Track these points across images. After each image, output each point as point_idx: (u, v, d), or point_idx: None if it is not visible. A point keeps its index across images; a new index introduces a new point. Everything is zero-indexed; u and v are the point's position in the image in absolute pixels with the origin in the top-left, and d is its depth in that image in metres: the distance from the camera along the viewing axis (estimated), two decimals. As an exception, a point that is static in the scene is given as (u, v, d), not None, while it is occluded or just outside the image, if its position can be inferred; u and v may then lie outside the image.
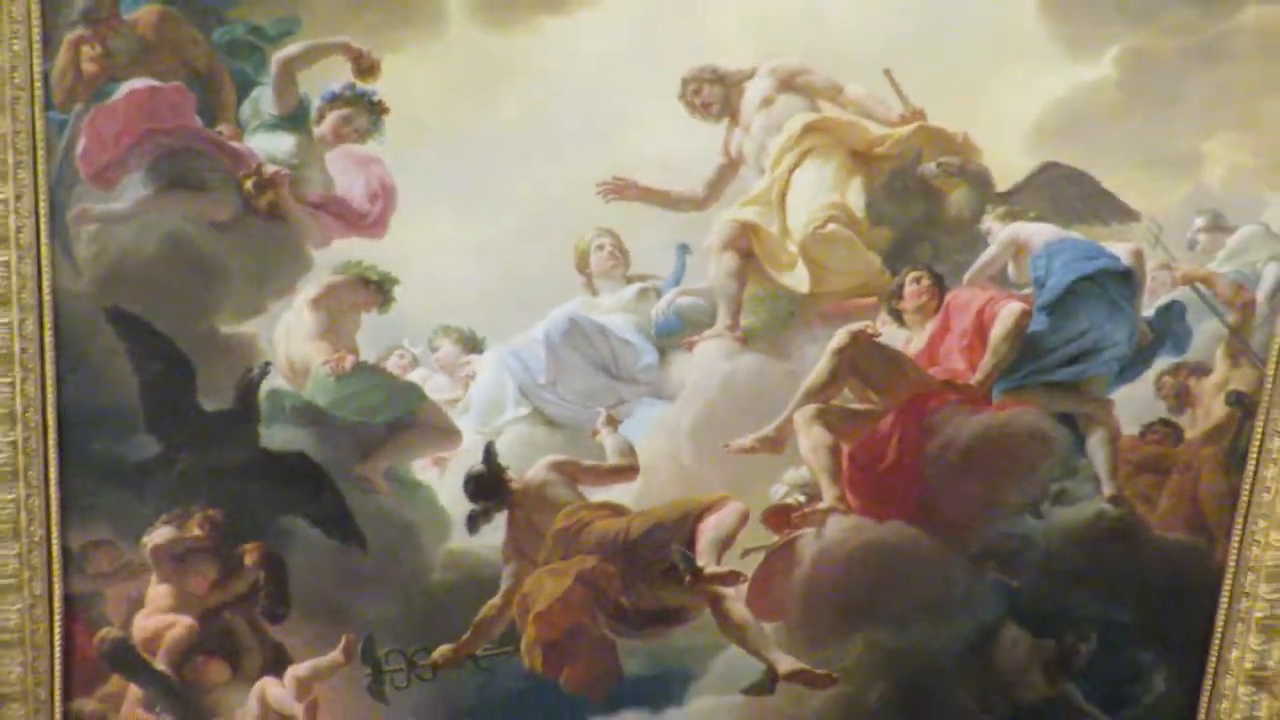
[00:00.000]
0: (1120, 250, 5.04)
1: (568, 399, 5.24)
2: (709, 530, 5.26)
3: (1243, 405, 5.15)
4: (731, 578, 5.28)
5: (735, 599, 5.34)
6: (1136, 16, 4.76)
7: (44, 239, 4.83)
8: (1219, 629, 5.47)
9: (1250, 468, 5.29)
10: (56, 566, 5.23)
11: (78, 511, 5.18)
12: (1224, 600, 5.44)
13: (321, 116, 4.88)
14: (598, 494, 5.32)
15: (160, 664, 5.35)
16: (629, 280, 5.15)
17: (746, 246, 5.04)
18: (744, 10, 4.75)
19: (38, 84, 4.67)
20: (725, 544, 5.25)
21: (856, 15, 4.76)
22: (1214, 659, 5.54)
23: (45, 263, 4.87)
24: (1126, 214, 4.96)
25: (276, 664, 5.40)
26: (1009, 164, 4.97)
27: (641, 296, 5.15)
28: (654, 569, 5.32)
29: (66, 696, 5.41)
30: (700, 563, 5.24)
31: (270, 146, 4.89)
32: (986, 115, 4.93)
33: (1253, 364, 5.10)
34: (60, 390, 5.04)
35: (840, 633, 5.47)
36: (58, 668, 5.35)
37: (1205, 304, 5.11)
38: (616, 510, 5.31)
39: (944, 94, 4.90)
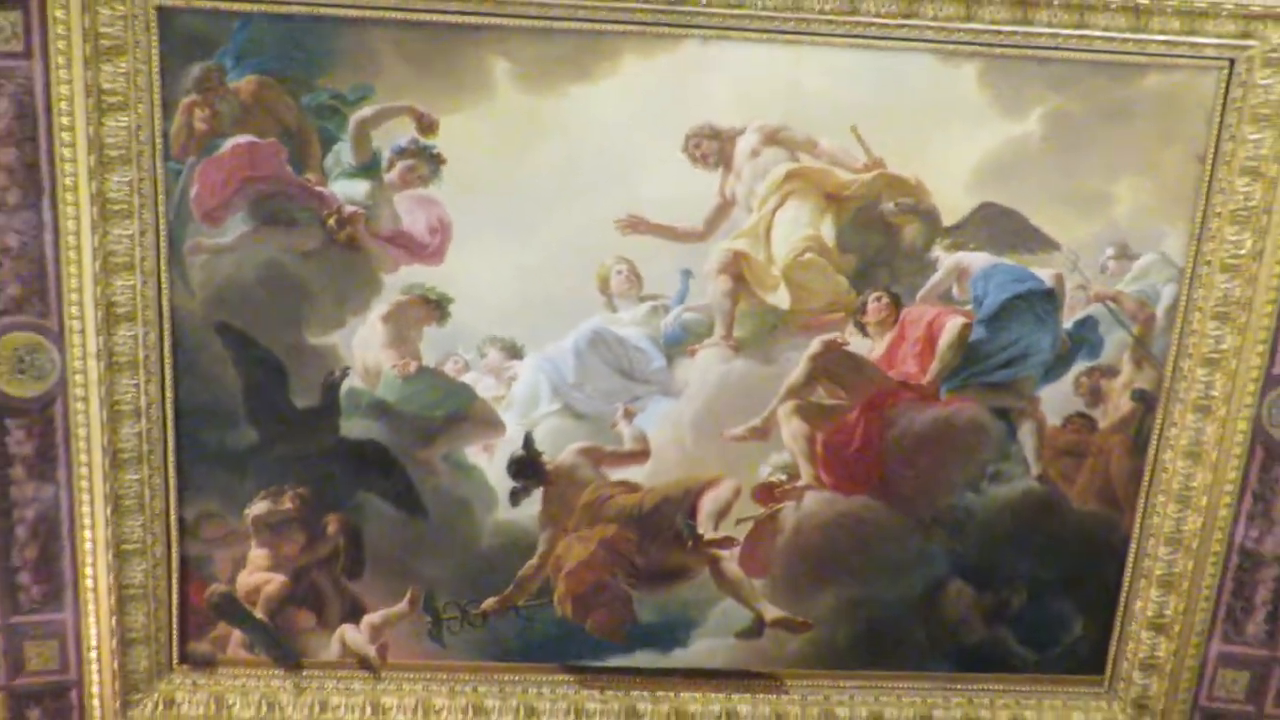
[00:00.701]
0: (1044, 274, 5.19)
1: (592, 396, 5.30)
2: (708, 503, 5.44)
3: (1145, 401, 5.35)
4: (726, 542, 5.49)
5: (729, 560, 5.53)
6: (1057, 83, 4.90)
7: (163, 267, 4.98)
8: (1126, 583, 5.64)
9: (1151, 452, 5.44)
10: (174, 534, 5.36)
11: (191, 489, 5.32)
12: (1130, 560, 5.61)
13: (391, 166, 4.94)
14: (617, 474, 5.42)
15: (259, 613, 5.50)
16: (642, 299, 5.17)
17: (738, 271, 5.13)
18: (737, 79, 4.86)
19: (159, 140, 4.81)
20: (721, 514, 5.45)
21: (828, 83, 4.88)
22: (1121, 608, 5.68)
23: (164, 286, 5.00)
24: (1049, 244, 5.12)
25: (354, 613, 5.55)
26: (953, 203, 5.08)
27: (652, 313, 5.18)
28: (663, 535, 5.48)
29: (183, 640, 5.53)
30: (701, 530, 5.44)
31: (349, 191, 4.96)
32: (935, 163, 5.03)
33: (1153, 367, 5.30)
34: (177, 390, 5.16)
35: (815, 586, 5.61)
36: (175, 617, 5.49)
37: (1114, 318, 5.26)
38: (632, 487, 5.43)
39: (899, 146, 5.00)
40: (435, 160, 4.96)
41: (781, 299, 5.21)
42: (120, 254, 4.91)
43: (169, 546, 5.40)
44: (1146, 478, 5.48)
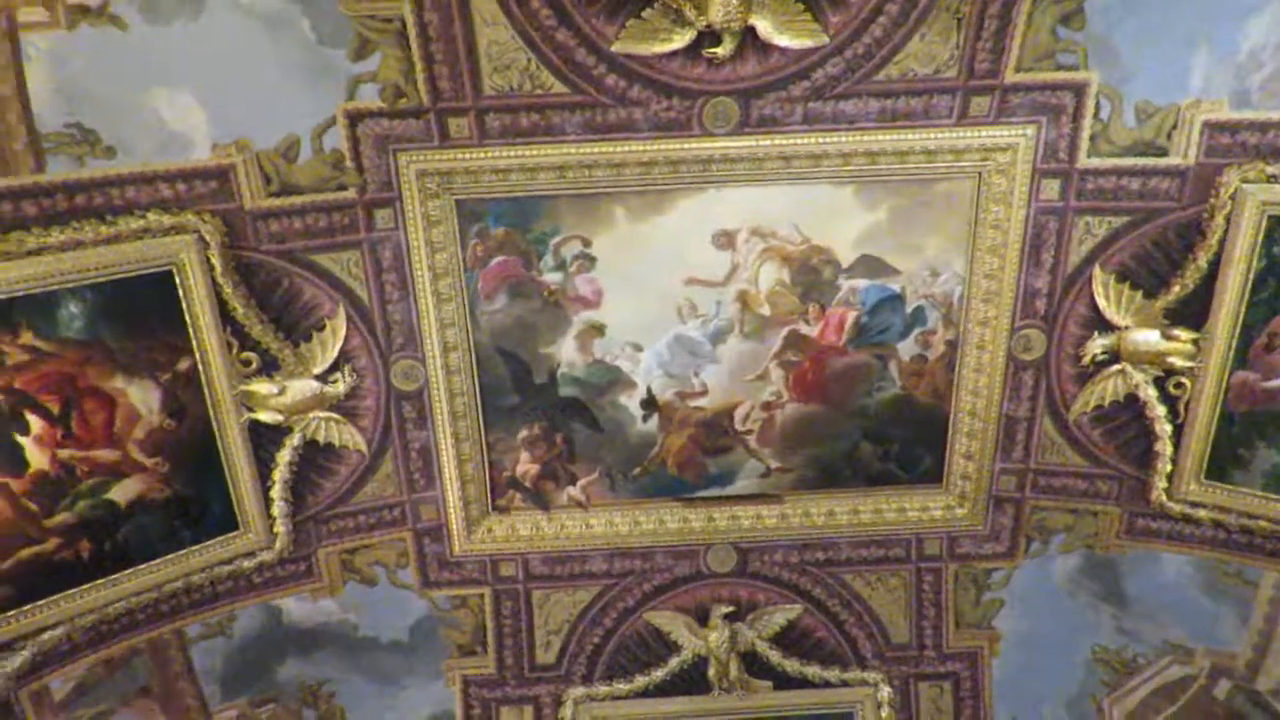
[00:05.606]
0: (894, 285, 5.23)
1: (677, 366, 5.41)
2: (739, 413, 5.54)
3: (951, 345, 5.37)
4: (748, 433, 5.61)
5: (751, 440, 5.62)
6: (894, 192, 4.96)
7: (469, 322, 5.20)
8: (949, 436, 5.59)
9: (957, 370, 5.42)
10: (484, 449, 5.49)
11: (490, 426, 5.48)
12: (950, 424, 5.57)
13: (571, 263, 5.10)
14: (693, 403, 5.50)
15: (526, 484, 5.67)
16: (698, 317, 5.27)
17: (744, 300, 5.24)
18: (734, 204, 4.99)
19: (461, 262, 5.05)
20: (745, 418, 5.55)
21: (779, 201, 5.00)
22: (949, 449, 5.62)
23: (469, 331, 5.21)
24: (896, 272, 5.19)
25: (572, 480, 5.67)
26: (846, 255, 5.15)
27: (704, 323, 5.29)
28: (718, 430, 5.58)
29: (492, 499, 5.67)
30: (737, 426, 5.57)
31: (552, 277, 5.13)
32: (835, 237, 5.10)
33: (954, 328, 5.33)
34: (480, 380, 5.34)
35: (794, 450, 5.68)
36: (488, 489, 5.62)
37: (932, 305, 5.29)
38: (700, 409, 5.51)
39: (818, 230, 5.08)
40: (592, 259, 5.13)
41: (765, 310, 5.30)
42: (448, 319, 5.17)
43: (482, 455, 5.55)
44: (955, 383, 5.47)
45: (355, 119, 4.62)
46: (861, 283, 5.27)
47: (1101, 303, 5.08)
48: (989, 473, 5.65)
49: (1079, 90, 4.64)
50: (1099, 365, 5.23)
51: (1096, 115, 4.69)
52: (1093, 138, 4.73)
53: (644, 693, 5.97)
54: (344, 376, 5.14)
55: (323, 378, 5.10)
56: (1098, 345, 5.15)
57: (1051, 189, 4.90)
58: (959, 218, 5.09)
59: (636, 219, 5.06)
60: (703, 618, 5.93)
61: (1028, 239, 5.03)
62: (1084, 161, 4.80)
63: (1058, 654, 6.01)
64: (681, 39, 4.45)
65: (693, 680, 5.98)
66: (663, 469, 5.69)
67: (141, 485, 4.89)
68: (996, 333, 5.30)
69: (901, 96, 4.69)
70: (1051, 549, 5.82)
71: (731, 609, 5.90)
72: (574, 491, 5.72)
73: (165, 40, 4.27)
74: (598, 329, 5.33)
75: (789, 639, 5.99)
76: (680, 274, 5.20)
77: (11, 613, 4.67)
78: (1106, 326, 5.15)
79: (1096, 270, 5.05)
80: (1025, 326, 5.28)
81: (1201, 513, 5.33)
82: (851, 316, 5.35)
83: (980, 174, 4.94)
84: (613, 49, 4.50)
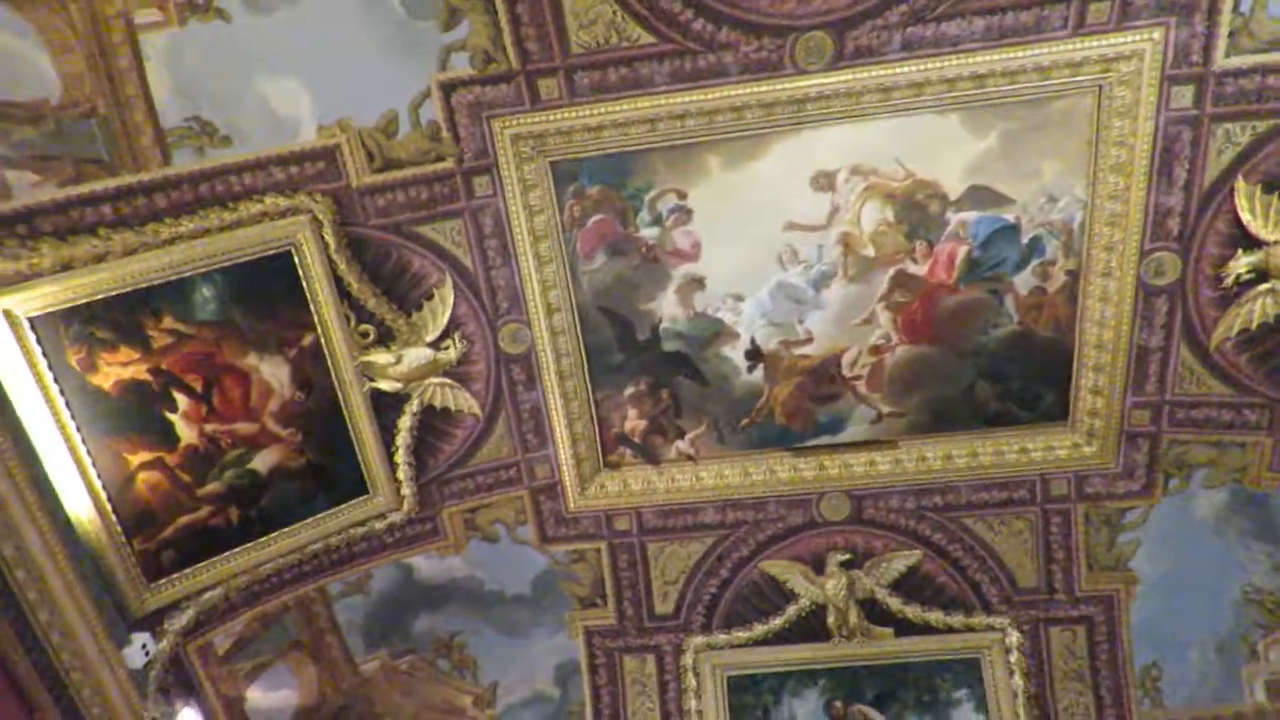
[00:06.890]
0: (1008, 215, 4.98)
1: (781, 314, 5.31)
2: (845, 359, 5.42)
3: (1073, 275, 5.10)
4: (856, 379, 5.48)
5: (860, 386, 5.49)
6: (1004, 115, 4.71)
7: (570, 282, 5.23)
8: (1074, 370, 5.32)
9: (1080, 300, 5.13)
10: (592, 407, 5.55)
11: (596, 385, 5.52)
12: (1075, 357, 5.30)
13: (668, 217, 5.05)
14: (798, 351, 5.39)
15: (635, 439, 5.69)
16: (799, 263, 5.14)
17: (846, 242, 5.09)
18: (832, 144, 4.83)
19: (559, 224, 5.08)
20: (853, 364, 5.43)
21: (878, 137, 4.80)
22: (1074, 383, 5.36)
23: (571, 291, 5.26)
24: (1009, 201, 4.94)
25: (680, 434, 5.66)
26: (954, 187, 4.93)
27: (805, 269, 5.16)
28: (826, 377, 5.47)
29: (604, 455, 5.72)
30: (845, 372, 5.46)
31: (650, 233, 5.11)
32: (941, 168, 4.88)
33: (1075, 256, 5.05)
34: (584, 339, 5.39)
35: (906, 393, 5.52)
36: (599, 445, 5.68)
37: (1050, 233, 5.02)
38: (806, 356, 5.41)
39: (922, 162, 4.87)
40: (689, 212, 5.06)
41: (870, 251, 5.13)
42: (550, 280, 5.22)
43: (591, 413, 5.60)
44: (1079, 314, 5.19)
45: (449, 89, 4.68)
46: (971, 215, 5.02)
47: (1245, 217, 4.69)
48: (1119, 407, 5.35)
49: (1214, -18, 4.24)
50: (1244, 286, 4.87)
51: (1236, 9, 4.30)
52: (1231, 34, 4.35)
53: (764, 640, 5.98)
54: (454, 343, 5.27)
55: (435, 345, 5.25)
56: (1243, 264, 4.78)
57: (1184, 96, 4.53)
58: (1078, 137, 4.79)
59: (731, 167, 4.96)
60: (819, 566, 5.87)
61: (1157, 154, 4.70)
62: (1222, 62, 4.41)
63: (1204, 595, 5.66)
64: (769, -27, 4.32)
65: (812, 628, 5.94)
66: (770, 419, 5.63)
67: (279, 455, 5.18)
68: (1124, 258, 4.97)
69: (1009, 11, 4.42)
70: (1193, 485, 5.49)
71: (848, 556, 5.82)
72: (683, 445, 5.72)
73: (267, 28, 4.41)
74: (698, 281, 5.26)
75: (909, 585, 5.86)
76: (779, 220, 5.08)
77: (175, 575, 5.06)
78: (1252, 243, 4.76)
79: (1239, 182, 4.67)
80: (1156, 249, 4.94)
81: (1369, 440, 4.88)
82: (962, 251, 5.12)
83: (1101, 87, 4.63)
84: (698, -9, 4.39)
